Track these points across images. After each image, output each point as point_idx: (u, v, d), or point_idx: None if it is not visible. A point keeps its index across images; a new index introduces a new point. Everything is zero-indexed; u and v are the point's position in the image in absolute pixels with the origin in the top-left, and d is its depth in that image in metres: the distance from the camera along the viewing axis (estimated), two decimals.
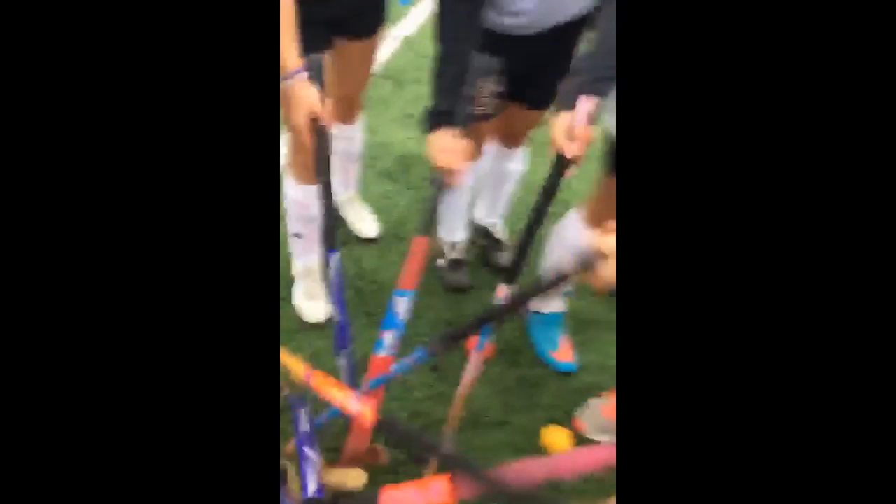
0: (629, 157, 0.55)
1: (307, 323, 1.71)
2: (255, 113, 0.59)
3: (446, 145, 1.22)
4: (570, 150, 1.08)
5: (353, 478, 1.28)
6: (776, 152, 0.50)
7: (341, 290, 1.29)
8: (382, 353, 1.28)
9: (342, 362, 1.32)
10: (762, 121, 0.50)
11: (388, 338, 1.28)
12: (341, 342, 1.31)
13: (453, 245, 1.87)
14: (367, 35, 1.54)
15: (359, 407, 0.97)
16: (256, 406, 0.55)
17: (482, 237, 2.01)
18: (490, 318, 1.13)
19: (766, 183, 0.50)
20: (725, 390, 0.50)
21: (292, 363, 1.07)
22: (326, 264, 1.27)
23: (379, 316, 1.40)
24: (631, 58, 0.55)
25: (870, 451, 0.46)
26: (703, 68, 0.52)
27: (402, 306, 1.27)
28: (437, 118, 1.24)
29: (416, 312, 1.77)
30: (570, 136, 1.08)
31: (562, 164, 1.10)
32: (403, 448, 1.37)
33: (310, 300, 1.73)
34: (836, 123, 0.49)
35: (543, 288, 0.97)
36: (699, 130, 0.51)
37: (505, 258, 1.92)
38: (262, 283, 0.57)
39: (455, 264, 1.88)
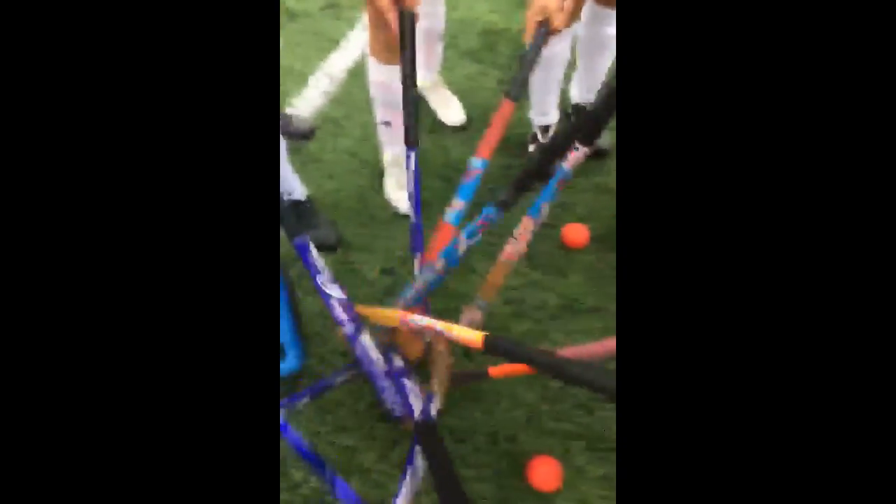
0: (629, 157, 0.54)
1: (399, 214, 1.73)
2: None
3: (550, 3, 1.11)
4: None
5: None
6: (776, 150, 0.49)
7: (419, 189, 1.23)
8: (450, 223, 1.22)
9: (416, 268, 1.26)
10: (761, 119, 0.49)
11: (459, 207, 1.20)
12: (416, 244, 1.26)
13: (546, 129, 1.78)
14: None
15: (470, 336, 0.89)
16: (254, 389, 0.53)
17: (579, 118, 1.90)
18: (551, 159, 1.04)
19: (764, 181, 0.49)
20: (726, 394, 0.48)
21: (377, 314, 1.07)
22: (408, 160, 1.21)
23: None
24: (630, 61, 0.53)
25: (869, 453, 0.44)
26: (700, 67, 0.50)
27: (475, 174, 1.18)
28: None
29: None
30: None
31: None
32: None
33: (401, 190, 1.73)
34: (831, 124, 0.47)
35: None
36: (697, 128, 0.50)
37: (607, 141, 1.80)
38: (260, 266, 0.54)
39: None
